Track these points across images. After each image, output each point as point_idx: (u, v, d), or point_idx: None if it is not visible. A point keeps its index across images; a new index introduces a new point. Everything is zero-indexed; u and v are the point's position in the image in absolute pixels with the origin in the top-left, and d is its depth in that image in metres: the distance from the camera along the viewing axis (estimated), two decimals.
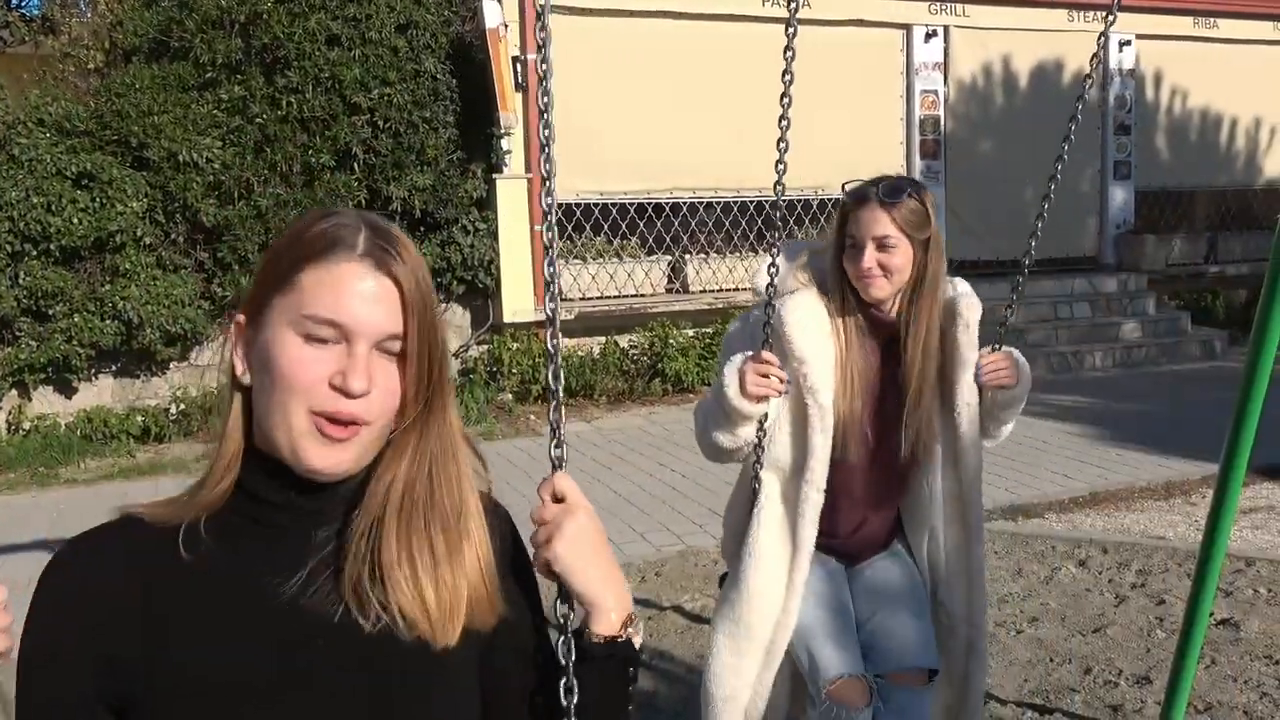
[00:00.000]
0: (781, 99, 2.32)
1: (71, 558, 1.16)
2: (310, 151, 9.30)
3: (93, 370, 9.05)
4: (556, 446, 1.33)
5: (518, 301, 9.93)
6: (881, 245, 2.38)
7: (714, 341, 10.34)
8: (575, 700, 1.21)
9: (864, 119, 11.22)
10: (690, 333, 10.36)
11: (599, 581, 1.23)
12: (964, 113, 11.94)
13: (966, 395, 2.52)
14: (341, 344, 1.14)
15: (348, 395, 1.13)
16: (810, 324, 2.43)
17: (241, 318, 1.19)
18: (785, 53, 2.32)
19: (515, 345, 9.85)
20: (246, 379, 1.18)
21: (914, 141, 11.62)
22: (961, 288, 2.55)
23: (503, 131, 9.76)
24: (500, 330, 9.96)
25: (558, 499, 1.26)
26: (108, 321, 8.71)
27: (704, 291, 10.85)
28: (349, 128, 9.35)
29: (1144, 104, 12.88)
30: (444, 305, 10.03)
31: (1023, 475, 7.04)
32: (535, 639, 1.31)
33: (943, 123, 11.74)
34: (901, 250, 2.38)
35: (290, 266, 1.15)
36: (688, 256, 10.93)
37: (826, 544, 2.57)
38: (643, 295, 10.67)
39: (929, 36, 11.54)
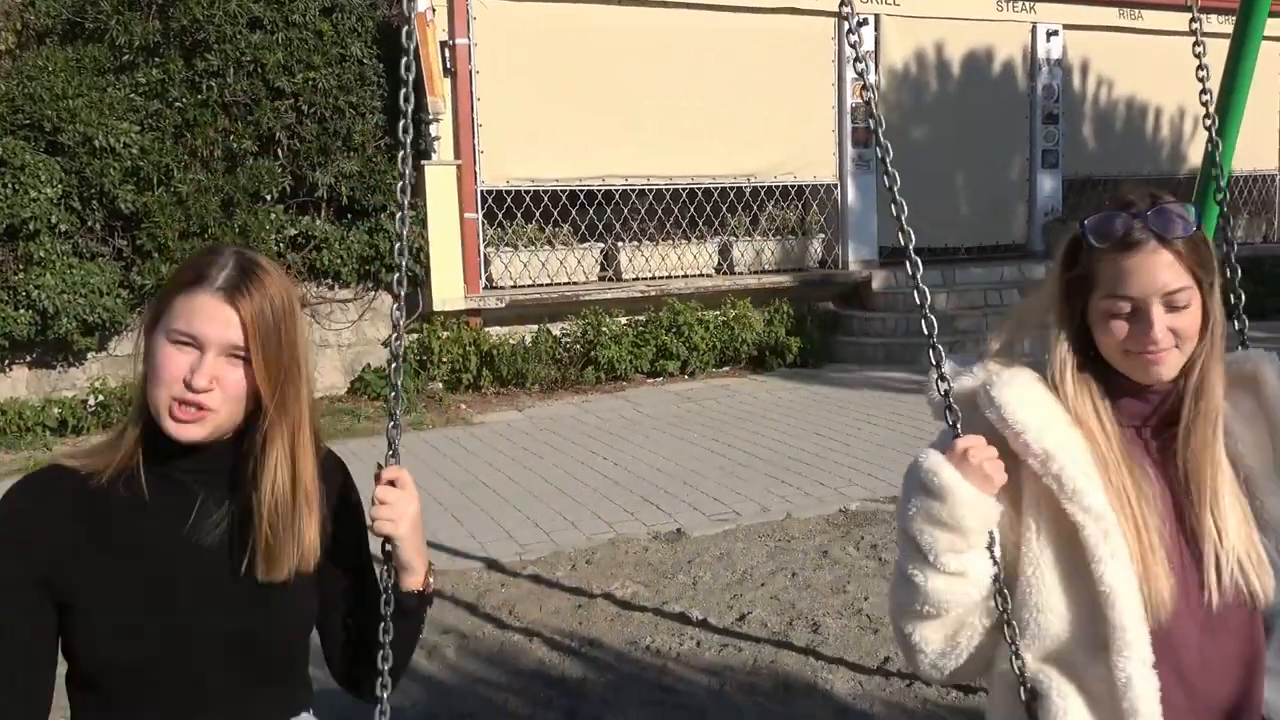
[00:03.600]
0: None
1: (20, 490, 1.66)
2: (232, 137, 9.09)
3: (6, 361, 8.77)
4: (394, 426, 1.72)
5: (447, 290, 9.80)
6: (1172, 303, 1.60)
7: (647, 329, 10.29)
8: (390, 637, 1.71)
9: (796, 107, 11.24)
10: (623, 320, 10.31)
11: (417, 553, 1.73)
12: (895, 100, 12.02)
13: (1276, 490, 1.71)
14: (196, 351, 1.58)
15: (193, 390, 1.57)
16: (1039, 404, 1.66)
17: (143, 327, 1.67)
18: None
19: (445, 334, 9.73)
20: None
21: (846, 129, 11.66)
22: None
23: (431, 117, 9.62)
24: (430, 319, 9.83)
25: (398, 485, 1.69)
26: (21, 311, 8.44)
27: (637, 279, 10.81)
28: (272, 113, 9.15)
29: (1071, 94, 13.06)
30: (373, 294, 9.88)
31: None
32: (361, 572, 1.80)
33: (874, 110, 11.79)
34: (1195, 306, 1.63)
35: (171, 293, 1.62)
36: (620, 244, 10.88)
37: None
38: (575, 283, 10.60)
39: (860, 24, 11.58)
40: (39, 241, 8.46)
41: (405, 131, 1.77)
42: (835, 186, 11.69)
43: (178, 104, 9.00)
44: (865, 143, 11.74)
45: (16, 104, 8.57)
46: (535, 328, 10.13)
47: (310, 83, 9.21)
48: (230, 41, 9.01)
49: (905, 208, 1.79)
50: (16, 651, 1.57)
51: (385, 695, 1.72)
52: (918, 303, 1.78)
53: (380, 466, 1.70)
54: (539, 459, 7.58)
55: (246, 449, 1.66)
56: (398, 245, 1.75)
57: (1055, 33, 12.67)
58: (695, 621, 4.62)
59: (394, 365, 1.73)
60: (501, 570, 5.37)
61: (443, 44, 9.73)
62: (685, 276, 11.01)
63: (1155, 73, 13.09)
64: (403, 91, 1.76)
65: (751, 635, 4.46)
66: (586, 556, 5.54)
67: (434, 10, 9.60)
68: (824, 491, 6.56)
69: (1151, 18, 13.00)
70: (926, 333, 1.73)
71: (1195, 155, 13.67)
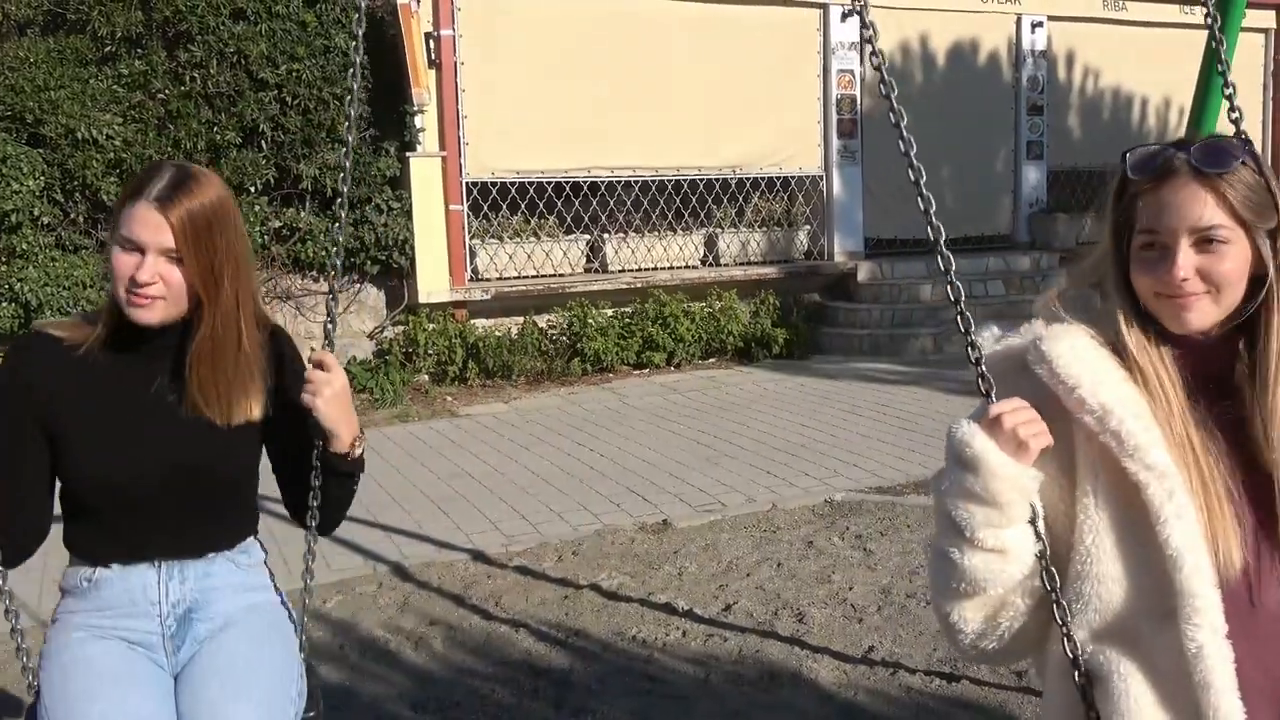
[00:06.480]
0: None
1: (15, 350, 2.16)
2: (215, 129, 9.03)
3: None
4: (330, 322, 2.26)
5: (433, 282, 9.78)
6: (1204, 241, 1.46)
7: (633, 321, 10.29)
8: (318, 500, 2.18)
9: (782, 98, 11.23)
10: (609, 312, 10.30)
11: (340, 423, 2.11)
12: (880, 92, 12.00)
13: None
14: (139, 254, 1.99)
15: (138, 284, 2.00)
16: (1092, 358, 1.50)
17: (107, 234, 2.20)
18: None
19: (431, 326, 9.71)
20: None
21: (831, 121, 11.66)
22: None
23: (416, 109, 9.58)
24: (415, 311, 9.81)
25: (323, 366, 2.08)
26: (4, 304, 8.38)
27: (623, 271, 10.79)
28: (256, 104, 9.10)
29: (1056, 85, 13.08)
30: (358, 286, 9.84)
31: (936, 450, 7.10)
32: (305, 429, 2.14)
33: (859, 102, 11.81)
34: (1236, 249, 1.46)
35: (120, 205, 2.03)
36: (606, 236, 10.87)
37: None
38: (561, 275, 10.58)
39: (845, 16, 11.57)
40: (21, 234, 8.41)
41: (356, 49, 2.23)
42: (821, 178, 11.69)
43: (160, 96, 8.94)
44: (851, 134, 11.74)
45: None
46: (521, 320, 10.11)
47: (294, 74, 9.16)
48: (213, 32, 8.96)
49: (933, 201, 1.80)
50: (19, 467, 2.09)
51: (313, 533, 2.23)
52: (941, 269, 1.69)
53: (313, 350, 2.15)
54: (525, 451, 7.58)
55: (193, 329, 2.08)
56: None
57: (1040, 24, 12.68)
58: (681, 612, 4.63)
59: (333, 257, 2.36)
60: (488, 562, 5.37)
61: (427, 36, 9.69)
62: (671, 268, 11.00)
63: (1140, 64, 13.12)
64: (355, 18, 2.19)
65: (737, 625, 4.47)
66: (573, 547, 5.54)
67: (418, 1, 9.56)
68: (809, 482, 6.57)
69: (1136, 9, 13.03)
70: (954, 298, 1.64)
71: None
